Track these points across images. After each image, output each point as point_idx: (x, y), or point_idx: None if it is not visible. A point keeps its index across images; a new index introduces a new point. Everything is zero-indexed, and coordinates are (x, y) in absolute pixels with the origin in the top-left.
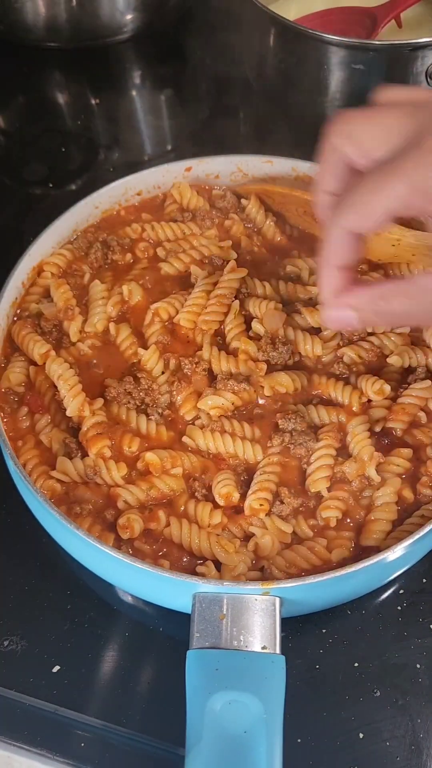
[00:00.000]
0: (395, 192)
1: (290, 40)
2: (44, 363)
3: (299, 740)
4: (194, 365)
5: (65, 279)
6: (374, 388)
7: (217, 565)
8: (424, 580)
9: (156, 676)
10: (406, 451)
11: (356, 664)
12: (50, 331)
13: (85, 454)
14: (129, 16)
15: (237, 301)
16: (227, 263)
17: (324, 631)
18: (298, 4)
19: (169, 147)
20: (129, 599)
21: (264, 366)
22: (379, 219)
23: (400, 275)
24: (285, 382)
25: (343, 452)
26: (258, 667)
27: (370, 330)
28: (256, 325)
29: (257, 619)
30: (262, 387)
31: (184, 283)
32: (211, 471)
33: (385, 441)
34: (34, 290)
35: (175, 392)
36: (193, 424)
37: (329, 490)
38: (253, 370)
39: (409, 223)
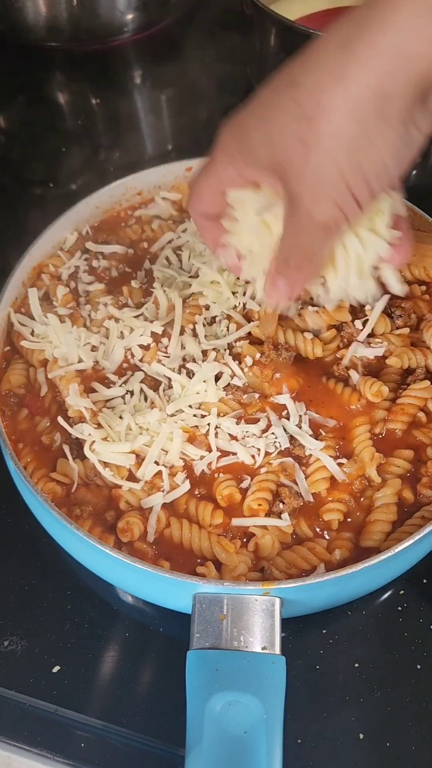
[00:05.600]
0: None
1: (291, 40)
2: (44, 365)
3: (299, 741)
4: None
5: (65, 280)
6: (372, 390)
7: (217, 565)
8: (425, 581)
9: (156, 676)
10: (407, 452)
11: (356, 665)
12: None
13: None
14: (130, 16)
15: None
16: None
17: (324, 631)
18: (299, 4)
19: (169, 147)
20: (129, 599)
21: (270, 372)
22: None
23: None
24: (290, 386)
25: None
26: (258, 667)
27: (369, 331)
28: (255, 329)
29: (257, 619)
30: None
31: None
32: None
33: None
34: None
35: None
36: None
37: (329, 490)
38: (258, 376)
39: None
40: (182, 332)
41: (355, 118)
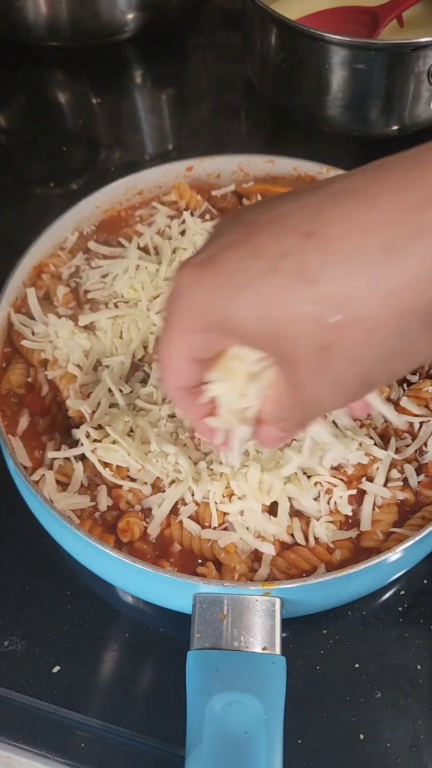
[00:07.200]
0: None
1: (292, 40)
2: (44, 365)
3: (299, 741)
4: None
5: (65, 280)
6: None
7: (218, 565)
8: (425, 581)
9: (156, 676)
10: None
11: (357, 665)
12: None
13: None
14: (130, 16)
15: None
16: None
17: (325, 632)
18: (299, 4)
19: (170, 146)
20: (129, 599)
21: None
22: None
23: None
24: None
25: None
26: (258, 668)
27: None
28: None
29: (258, 619)
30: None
31: None
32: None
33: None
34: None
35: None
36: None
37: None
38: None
39: None
40: None
41: (397, 332)
